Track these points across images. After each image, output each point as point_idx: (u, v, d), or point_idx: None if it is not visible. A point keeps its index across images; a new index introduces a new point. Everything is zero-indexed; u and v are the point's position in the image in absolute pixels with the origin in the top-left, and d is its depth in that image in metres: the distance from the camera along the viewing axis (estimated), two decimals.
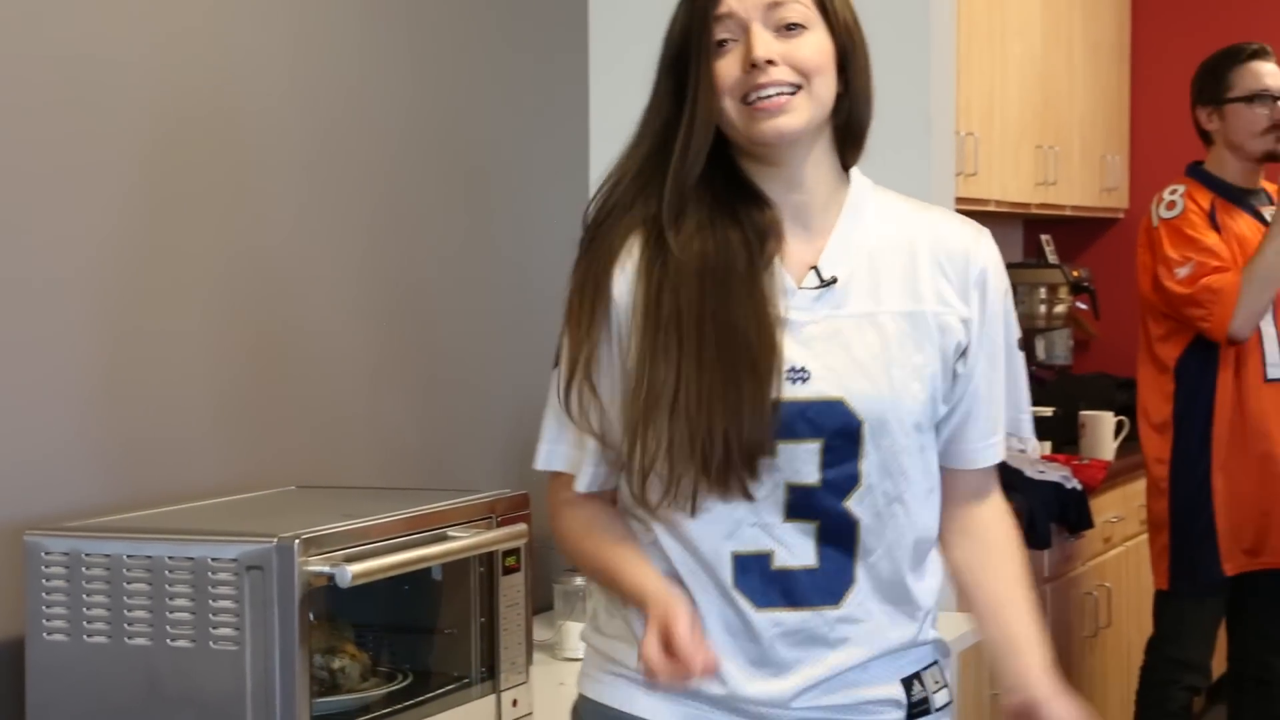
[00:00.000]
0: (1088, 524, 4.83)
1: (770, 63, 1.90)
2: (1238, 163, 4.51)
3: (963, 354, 2.01)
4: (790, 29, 1.92)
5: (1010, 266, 5.85)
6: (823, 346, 1.94)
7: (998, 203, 5.27)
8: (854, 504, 1.95)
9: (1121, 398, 5.64)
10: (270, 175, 3.01)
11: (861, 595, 1.97)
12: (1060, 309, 5.95)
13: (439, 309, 3.42)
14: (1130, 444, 5.31)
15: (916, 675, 2.04)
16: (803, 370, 1.93)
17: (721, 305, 1.91)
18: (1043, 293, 5.91)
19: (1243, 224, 4.46)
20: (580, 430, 1.98)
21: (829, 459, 1.93)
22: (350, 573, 2.29)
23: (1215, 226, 4.40)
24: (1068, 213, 5.99)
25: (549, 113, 3.74)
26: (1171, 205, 4.43)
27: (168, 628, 2.30)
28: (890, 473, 1.96)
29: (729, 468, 1.89)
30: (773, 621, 1.95)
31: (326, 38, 3.14)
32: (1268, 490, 4.43)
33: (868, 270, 1.98)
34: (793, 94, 1.91)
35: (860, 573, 1.97)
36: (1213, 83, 4.53)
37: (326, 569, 2.29)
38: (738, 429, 1.88)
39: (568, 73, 3.82)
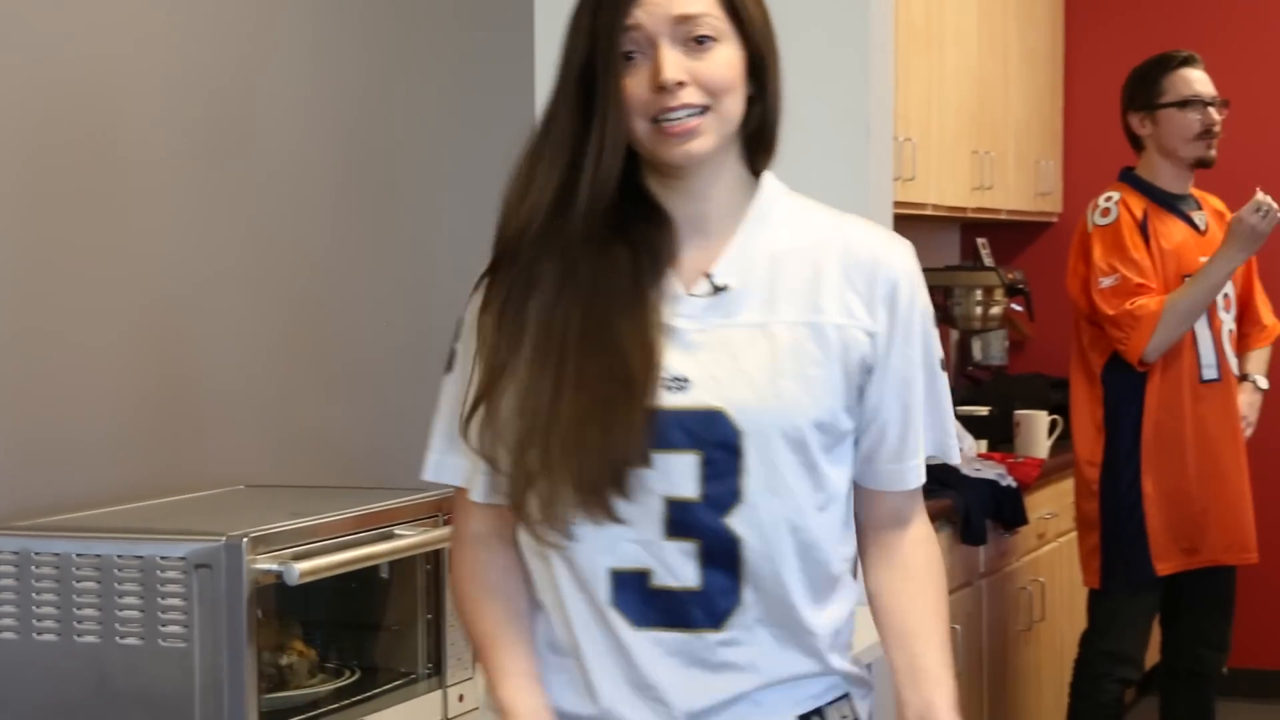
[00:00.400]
0: (1022, 520, 4.86)
1: (680, 84, 1.79)
2: (1170, 168, 4.54)
3: (870, 370, 1.87)
4: (700, 42, 1.80)
5: (947, 269, 5.93)
6: (707, 355, 1.82)
7: (935, 206, 5.29)
8: (735, 521, 1.81)
9: (1055, 397, 5.67)
10: (208, 175, 2.99)
11: (748, 619, 1.82)
12: (996, 310, 5.97)
13: (388, 312, 3.41)
14: (1064, 442, 5.34)
15: (819, 710, 1.88)
16: (683, 379, 1.80)
17: (605, 324, 1.80)
18: (979, 294, 5.93)
19: (1175, 229, 4.49)
20: (474, 450, 1.86)
21: (709, 472, 1.80)
22: (298, 571, 2.29)
23: (1145, 236, 4.42)
24: (1003, 216, 6.02)
25: (492, 117, 3.72)
26: (1106, 213, 4.45)
27: (117, 625, 2.29)
28: (776, 490, 1.81)
29: (599, 483, 1.78)
30: (651, 641, 1.82)
31: (240, 30, 3.11)
32: (1208, 489, 4.46)
33: (766, 279, 1.86)
34: (701, 115, 1.80)
35: (748, 595, 1.82)
36: (1145, 88, 4.55)
37: (275, 567, 2.28)
38: (607, 441, 1.77)
39: (511, 82, 3.80)
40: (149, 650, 2.28)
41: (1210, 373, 4.46)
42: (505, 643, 1.88)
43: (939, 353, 1.95)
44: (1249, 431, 4.64)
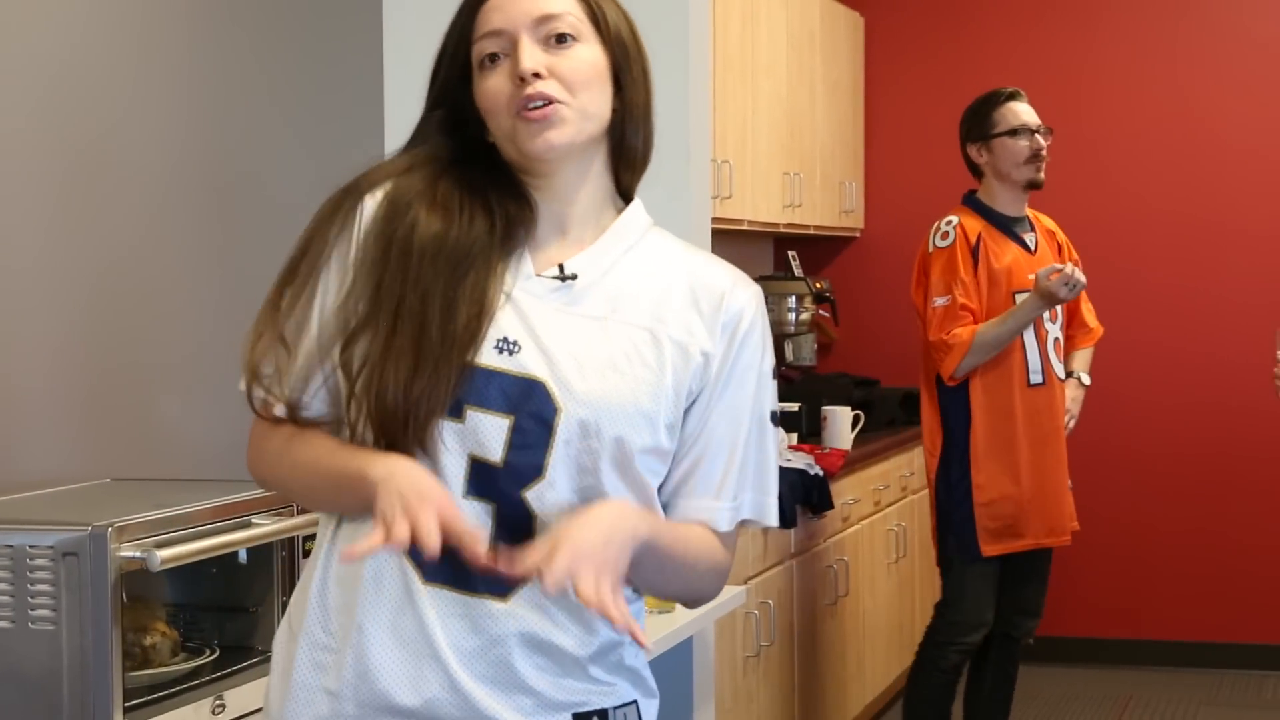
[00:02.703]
0: (828, 505, 4.91)
1: (537, 75, 1.70)
2: (1006, 191, 4.66)
3: (699, 393, 1.74)
4: (560, 41, 1.72)
5: (762, 279, 5.98)
6: (543, 329, 1.70)
7: (750, 222, 5.33)
8: (533, 497, 1.68)
9: (859, 394, 5.75)
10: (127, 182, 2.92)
11: (535, 597, 1.68)
12: (805, 316, 6.04)
13: (238, 312, 3.35)
14: (865, 434, 5.40)
15: (601, 712, 1.73)
16: (514, 343, 1.68)
17: (441, 283, 1.68)
18: (790, 302, 5.99)
19: (1007, 250, 4.62)
20: (274, 337, 1.73)
21: (516, 440, 1.66)
22: (160, 557, 2.26)
23: (976, 258, 4.54)
24: (811, 231, 6.08)
25: (337, 108, 3.65)
26: (945, 235, 4.57)
27: None
28: (576, 475, 1.68)
29: (395, 427, 1.65)
30: (438, 598, 1.67)
31: (59, 19, 3.04)
32: (1034, 482, 4.60)
33: (614, 284, 1.75)
34: (560, 106, 1.71)
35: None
36: (979, 122, 4.67)
37: (138, 554, 2.25)
38: (410, 387, 1.64)
39: (361, 80, 3.75)
40: (20, 632, 2.23)
41: (1036, 378, 4.61)
42: (350, 448, 1.70)
43: (773, 406, 1.80)
44: (1072, 424, 4.81)
